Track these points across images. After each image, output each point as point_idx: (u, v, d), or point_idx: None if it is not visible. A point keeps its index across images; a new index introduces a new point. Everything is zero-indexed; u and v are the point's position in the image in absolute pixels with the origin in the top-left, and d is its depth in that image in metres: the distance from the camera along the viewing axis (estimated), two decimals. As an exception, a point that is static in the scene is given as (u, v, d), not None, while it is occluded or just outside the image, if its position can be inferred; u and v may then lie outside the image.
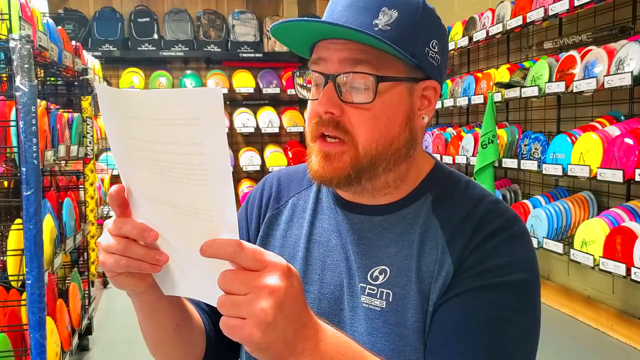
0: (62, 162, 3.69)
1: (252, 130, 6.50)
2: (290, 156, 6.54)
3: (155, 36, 6.39)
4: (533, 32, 4.31)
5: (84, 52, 4.35)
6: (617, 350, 3.35)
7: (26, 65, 2.07)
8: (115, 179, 5.34)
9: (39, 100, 2.37)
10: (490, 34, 4.36)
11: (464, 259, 0.85)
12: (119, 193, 0.73)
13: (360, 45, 0.84)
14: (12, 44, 2.07)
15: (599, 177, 3.05)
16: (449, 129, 5.07)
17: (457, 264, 0.85)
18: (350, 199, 0.95)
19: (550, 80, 3.57)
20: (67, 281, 3.44)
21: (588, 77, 3.23)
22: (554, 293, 4.07)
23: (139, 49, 6.32)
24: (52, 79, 4.04)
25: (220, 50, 6.51)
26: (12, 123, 2.26)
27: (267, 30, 6.69)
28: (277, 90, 6.58)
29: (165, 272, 0.75)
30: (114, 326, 3.84)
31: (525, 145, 3.89)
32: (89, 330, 3.57)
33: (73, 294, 3.22)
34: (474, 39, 4.61)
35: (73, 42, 3.89)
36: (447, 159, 4.73)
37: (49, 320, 2.43)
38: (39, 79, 3.43)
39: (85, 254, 3.93)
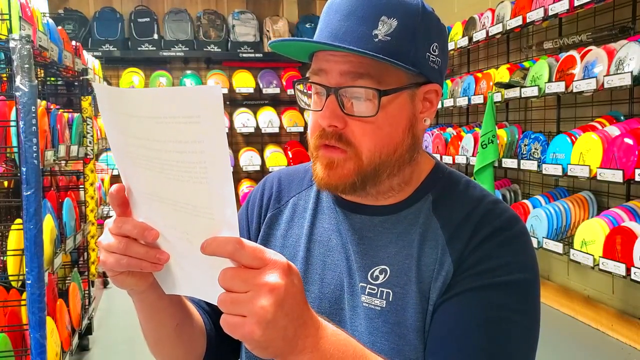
0: (62, 162, 3.70)
1: (252, 130, 6.50)
2: (290, 156, 6.54)
3: (155, 36, 6.39)
4: (533, 32, 4.31)
5: (84, 52, 4.35)
6: (617, 350, 3.35)
7: (26, 65, 2.07)
8: (115, 179, 5.34)
9: (39, 100, 2.37)
10: (490, 34, 4.36)
11: (464, 258, 0.85)
12: (119, 192, 0.73)
13: (360, 58, 0.83)
14: (12, 44, 2.08)
15: (598, 177, 3.05)
16: (449, 129, 5.07)
17: (457, 263, 0.85)
18: (351, 199, 0.96)
19: (550, 80, 3.57)
20: (67, 281, 3.44)
21: (588, 77, 3.23)
22: (554, 293, 4.07)
23: (139, 49, 6.32)
24: (52, 79, 4.04)
25: (220, 50, 6.51)
26: (12, 123, 2.26)
27: (267, 31, 6.70)
28: (277, 90, 6.58)
29: (166, 271, 0.75)
30: (114, 326, 3.85)
31: (525, 145, 3.90)
32: (89, 330, 3.57)
33: (73, 294, 3.22)
34: (474, 39, 4.61)
35: (73, 42, 3.89)
36: (447, 159, 4.74)
37: (49, 320, 2.43)
38: (39, 79, 3.43)
39: (86, 254, 3.93)
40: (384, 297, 0.88)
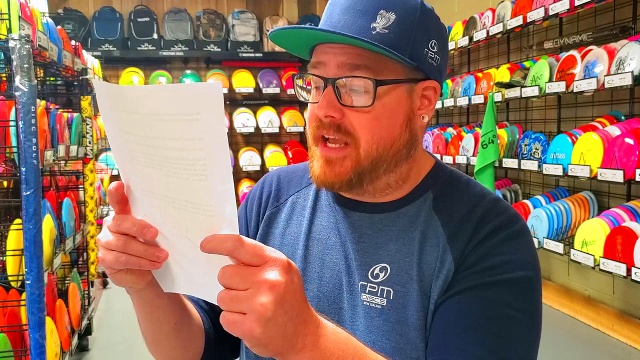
0: (61, 162, 3.69)
1: (252, 130, 6.50)
2: (290, 156, 6.54)
3: (155, 36, 6.39)
4: (533, 32, 4.31)
5: (84, 51, 4.35)
6: (617, 350, 3.35)
7: (26, 65, 2.07)
8: (115, 179, 5.31)
9: (38, 100, 2.37)
10: (490, 33, 4.36)
11: (465, 256, 0.85)
12: (118, 190, 0.73)
13: (358, 50, 0.84)
14: (11, 43, 2.07)
15: (599, 177, 3.04)
16: (449, 129, 5.07)
17: (458, 261, 0.85)
18: (351, 197, 0.95)
19: (550, 80, 3.57)
20: (66, 281, 3.43)
21: (588, 77, 3.23)
22: (555, 293, 4.06)
23: (138, 48, 6.32)
24: (52, 78, 4.04)
25: (220, 50, 6.51)
26: (12, 123, 2.26)
27: (267, 30, 6.69)
28: (277, 90, 6.58)
29: (165, 268, 0.75)
30: (113, 326, 3.84)
31: (525, 145, 3.89)
32: (88, 330, 3.57)
33: (73, 294, 3.21)
34: (474, 39, 4.61)
35: (73, 42, 3.88)
36: (448, 159, 4.73)
37: (48, 320, 2.43)
38: (39, 79, 3.42)
39: (85, 254, 3.93)
40: (384, 296, 0.87)
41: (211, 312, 0.99)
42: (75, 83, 4.05)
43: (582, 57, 3.35)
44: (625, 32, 3.31)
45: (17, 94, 2.06)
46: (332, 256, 0.94)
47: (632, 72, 2.89)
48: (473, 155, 4.38)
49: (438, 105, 4.88)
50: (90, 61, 4.57)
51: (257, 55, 6.56)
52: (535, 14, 3.74)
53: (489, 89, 4.34)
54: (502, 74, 4.26)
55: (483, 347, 0.80)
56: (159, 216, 0.71)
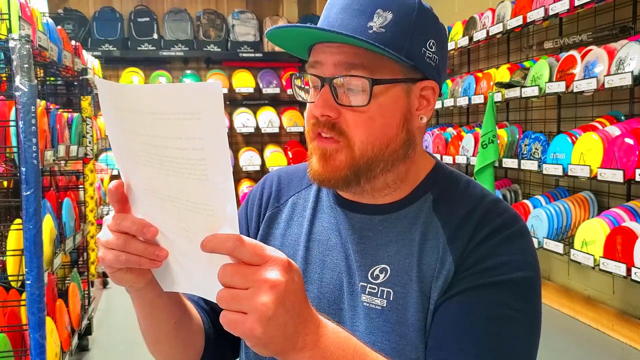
0: (61, 162, 3.69)
1: (252, 130, 6.50)
2: (290, 156, 6.54)
3: (155, 36, 6.39)
4: (533, 32, 4.31)
5: (84, 52, 4.35)
6: (617, 350, 3.35)
7: (26, 65, 2.07)
8: (115, 179, 5.32)
9: (38, 100, 2.37)
10: (490, 33, 4.36)
11: (465, 257, 0.85)
12: (118, 189, 0.73)
13: (354, 49, 0.84)
14: (11, 43, 2.07)
15: (599, 177, 3.05)
16: (449, 129, 5.07)
17: (458, 262, 0.85)
18: (351, 198, 0.95)
19: (550, 80, 3.57)
20: (66, 281, 3.43)
21: (588, 77, 3.23)
22: (554, 293, 4.07)
23: (138, 48, 6.32)
24: (52, 78, 4.04)
25: (220, 50, 6.51)
26: (12, 123, 2.26)
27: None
28: (277, 90, 6.58)
29: (165, 268, 0.75)
30: (113, 326, 3.84)
31: (525, 145, 3.89)
32: (88, 330, 3.57)
33: (73, 294, 3.21)
34: (474, 39, 4.61)
35: (73, 42, 3.89)
36: (447, 159, 4.73)
37: (48, 320, 2.43)
38: (39, 79, 3.42)
39: (85, 254, 3.93)
40: (384, 297, 0.87)
41: (211, 312, 0.99)
42: (75, 83, 4.05)
43: (582, 57, 3.35)
44: (625, 32, 3.31)
45: (17, 94, 2.06)
46: (333, 257, 0.94)
47: (632, 72, 2.89)
48: (473, 155, 4.38)
49: (438, 105, 4.88)
50: (91, 61, 4.57)
51: (257, 55, 6.56)
52: (535, 14, 3.74)
53: (488, 89, 4.34)
54: (502, 74, 4.26)
55: (483, 347, 0.80)
56: (159, 215, 0.71)
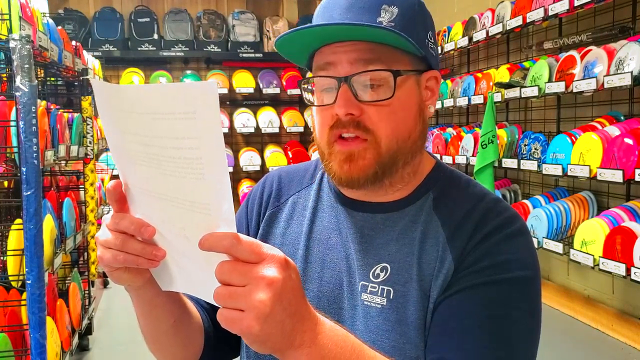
0: (62, 162, 3.70)
1: (252, 130, 6.50)
2: (290, 156, 6.54)
3: (155, 36, 6.39)
4: (533, 32, 4.31)
5: (84, 52, 4.35)
6: (617, 350, 3.35)
7: (26, 65, 2.07)
8: (115, 179, 5.33)
9: (39, 100, 2.37)
10: (490, 34, 4.36)
11: (465, 256, 0.85)
12: (117, 188, 0.74)
13: (368, 45, 0.85)
14: (12, 44, 2.07)
15: (598, 177, 3.05)
16: (449, 129, 5.07)
17: (457, 261, 0.85)
18: (353, 196, 0.95)
19: (550, 80, 3.57)
20: (67, 281, 3.44)
21: (588, 77, 3.23)
22: (554, 293, 4.07)
23: (139, 49, 6.33)
24: (52, 79, 4.04)
25: (220, 50, 6.52)
26: (12, 123, 2.26)
27: (267, 31, 6.70)
28: (277, 90, 6.58)
29: (163, 267, 0.75)
30: (114, 326, 3.85)
31: (525, 145, 3.90)
32: (89, 330, 3.57)
33: (73, 294, 3.22)
34: (474, 39, 4.61)
35: (73, 42, 3.89)
36: (447, 159, 4.73)
37: (49, 320, 2.43)
38: (39, 79, 3.43)
39: (86, 254, 3.93)
40: (384, 295, 0.88)
41: (211, 311, 0.99)
42: (76, 83, 4.05)
43: (582, 57, 3.35)
44: (624, 33, 3.31)
45: (17, 94, 2.06)
46: (333, 256, 0.94)
47: (631, 72, 2.89)
48: (472, 156, 4.38)
49: (438, 105, 4.89)
50: (91, 61, 4.57)
51: (257, 55, 6.56)
52: (535, 14, 3.74)
53: (488, 89, 4.34)
54: (501, 74, 4.26)
55: (482, 346, 0.80)
56: (157, 215, 0.71)
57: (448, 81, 5.05)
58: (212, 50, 6.49)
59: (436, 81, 0.93)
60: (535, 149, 3.77)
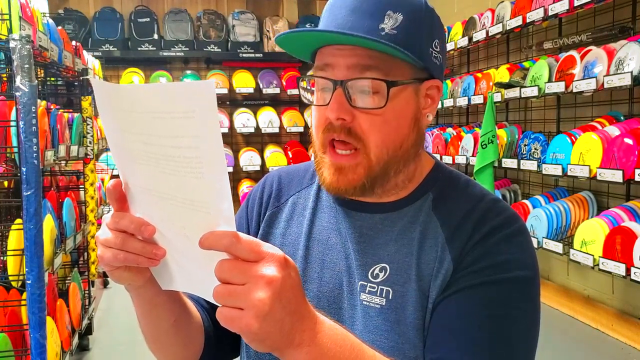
0: (62, 162, 3.70)
1: (252, 130, 6.50)
2: (290, 156, 6.54)
3: (155, 36, 6.39)
4: (533, 32, 4.31)
5: (84, 52, 4.35)
6: (617, 350, 3.35)
7: (26, 66, 2.07)
8: (115, 179, 5.33)
9: (39, 101, 2.37)
10: (490, 34, 4.36)
11: (464, 256, 0.85)
12: (117, 187, 0.74)
13: (367, 51, 0.84)
14: (12, 44, 2.08)
15: (598, 177, 3.05)
16: (449, 129, 5.08)
17: (456, 261, 0.85)
18: (353, 197, 0.95)
19: (550, 81, 3.57)
20: (67, 281, 3.44)
21: (588, 77, 3.23)
22: (554, 293, 4.07)
23: (139, 49, 6.33)
24: (52, 79, 4.04)
25: (220, 50, 6.52)
26: (12, 123, 2.26)
27: (267, 31, 6.70)
28: (277, 91, 6.58)
29: (163, 266, 0.75)
30: (114, 326, 3.85)
31: (525, 145, 3.90)
32: (89, 330, 3.57)
33: (73, 294, 3.22)
34: (474, 39, 4.61)
35: (73, 42, 3.89)
36: (447, 159, 4.74)
37: (49, 320, 2.43)
38: (39, 79, 3.43)
39: (86, 254, 3.94)
40: (383, 295, 0.88)
41: (211, 310, 0.99)
42: (76, 83, 4.05)
43: (582, 57, 3.35)
44: (624, 33, 3.31)
45: (17, 94, 2.06)
46: (333, 256, 0.94)
47: (631, 72, 2.89)
48: (472, 156, 4.38)
49: (438, 105, 4.89)
50: (91, 61, 4.57)
51: (258, 55, 6.57)
52: (535, 15, 3.75)
53: (488, 89, 4.34)
54: (501, 74, 4.26)
55: (481, 346, 0.80)
56: (157, 214, 0.71)
57: (448, 81, 5.05)
58: (212, 50, 6.49)
59: (437, 90, 0.91)
60: (535, 149, 3.77)
